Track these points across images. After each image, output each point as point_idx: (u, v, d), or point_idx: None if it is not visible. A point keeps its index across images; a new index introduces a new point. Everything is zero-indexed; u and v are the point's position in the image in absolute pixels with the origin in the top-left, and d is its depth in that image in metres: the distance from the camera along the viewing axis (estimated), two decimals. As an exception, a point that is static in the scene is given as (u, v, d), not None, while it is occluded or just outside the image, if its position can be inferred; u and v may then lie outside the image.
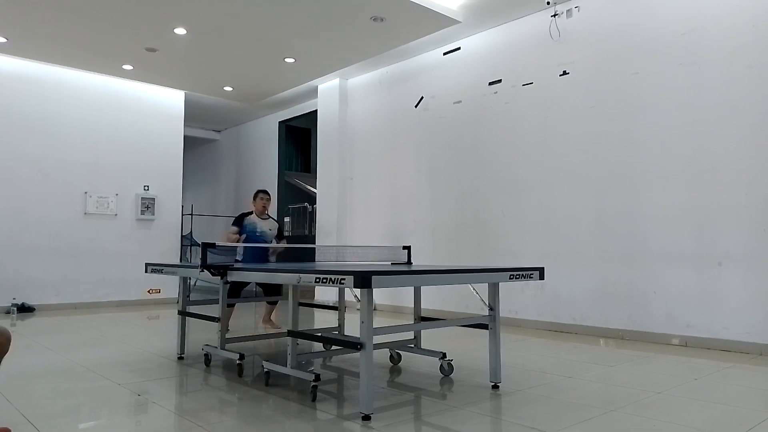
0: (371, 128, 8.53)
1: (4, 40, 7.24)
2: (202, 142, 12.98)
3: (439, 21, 6.56)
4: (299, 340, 4.11)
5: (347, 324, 4.88)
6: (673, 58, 5.25)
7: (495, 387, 3.41)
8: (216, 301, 4.24)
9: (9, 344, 2.30)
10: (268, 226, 5.76)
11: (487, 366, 3.50)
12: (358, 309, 2.86)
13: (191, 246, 11.22)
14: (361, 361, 2.77)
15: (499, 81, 6.75)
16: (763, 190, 4.64)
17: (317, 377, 3.18)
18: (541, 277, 3.52)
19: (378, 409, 2.94)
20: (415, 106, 7.82)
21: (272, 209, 9.91)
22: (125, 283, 8.81)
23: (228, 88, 9.37)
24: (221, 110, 10.85)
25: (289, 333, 3.43)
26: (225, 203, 12.26)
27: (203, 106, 10.41)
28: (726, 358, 4.41)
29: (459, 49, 7.28)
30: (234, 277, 3.69)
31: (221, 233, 7.38)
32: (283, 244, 5.98)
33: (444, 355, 3.83)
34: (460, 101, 7.20)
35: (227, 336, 4.16)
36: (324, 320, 6.79)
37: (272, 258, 5.76)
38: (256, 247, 5.46)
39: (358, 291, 2.74)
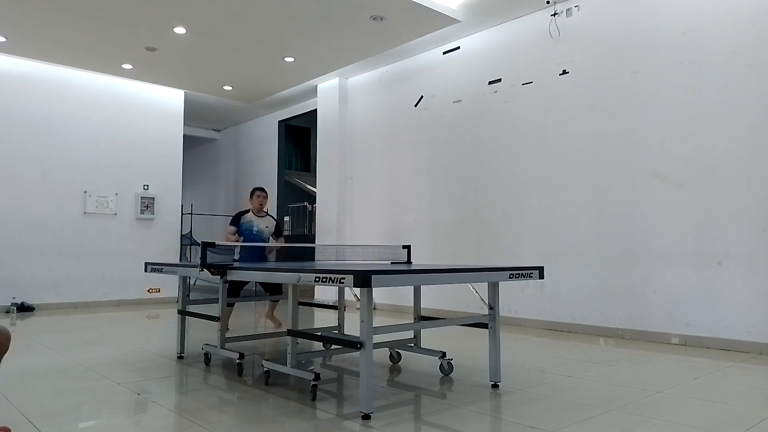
0: (371, 127, 8.53)
1: (4, 39, 7.23)
2: (202, 142, 12.98)
3: (438, 20, 6.56)
4: (299, 340, 4.11)
5: (347, 323, 4.88)
6: (673, 58, 5.25)
7: (495, 386, 3.41)
8: (215, 301, 4.24)
9: (9, 343, 2.30)
10: (264, 224, 5.75)
11: (487, 365, 3.50)
12: (357, 308, 2.86)
13: (191, 245, 11.22)
14: (360, 360, 2.77)
15: (499, 80, 6.74)
16: (763, 190, 4.64)
17: (317, 376, 3.17)
18: (541, 277, 3.52)
19: (378, 408, 2.94)
20: (415, 106, 7.81)
21: (272, 208, 9.93)
22: (125, 283, 8.80)
23: (228, 88, 9.37)
24: (221, 109, 10.85)
25: (289, 332, 3.43)
26: (225, 202, 12.26)
27: (203, 105, 10.40)
28: (726, 357, 4.41)
29: (459, 48, 7.28)
30: (233, 276, 3.68)
31: (221, 233, 7.39)
32: (281, 243, 5.97)
33: (444, 355, 3.83)
34: (459, 100, 7.20)
35: (227, 335, 4.16)
36: (324, 319, 6.79)
37: (270, 257, 5.76)
38: (253, 247, 5.46)
39: (357, 290, 2.74)
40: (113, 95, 8.90)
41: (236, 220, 5.70)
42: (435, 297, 6.97)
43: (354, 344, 2.81)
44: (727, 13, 4.93)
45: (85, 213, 8.51)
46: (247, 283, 5.37)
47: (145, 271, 4.59)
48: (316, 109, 9.52)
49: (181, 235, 10.11)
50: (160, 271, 4.39)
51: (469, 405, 3.03)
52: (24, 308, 7.78)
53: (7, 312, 7.63)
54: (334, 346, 4.45)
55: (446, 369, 3.79)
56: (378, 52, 7.69)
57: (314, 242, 9.17)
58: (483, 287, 3.57)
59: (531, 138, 6.35)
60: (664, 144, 5.24)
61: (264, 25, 6.69)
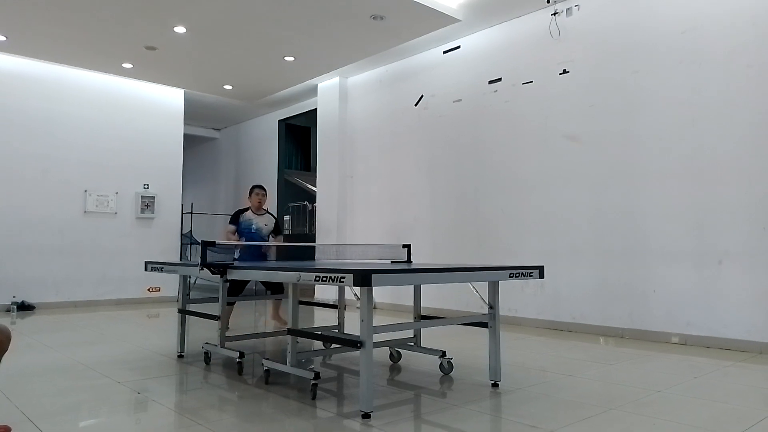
0: (371, 127, 8.53)
1: (4, 38, 7.23)
2: (202, 141, 12.98)
3: (438, 19, 6.56)
4: (299, 339, 4.11)
5: (347, 322, 4.88)
6: (673, 57, 5.24)
7: (495, 385, 3.41)
8: (216, 300, 4.24)
9: (9, 342, 2.30)
10: (263, 222, 5.73)
11: (487, 364, 3.50)
12: (357, 307, 2.86)
13: (191, 244, 11.21)
14: (361, 359, 2.77)
15: (499, 80, 6.74)
16: (764, 188, 4.64)
17: (317, 375, 3.17)
18: (541, 276, 3.52)
19: (378, 407, 2.94)
20: (415, 105, 7.81)
21: (272, 207, 9.92)
22: (125, 282, 8.80)
23: (228, 87, 9.36)
24: (221, 108, 10.84)
25: (289, 331, 3.44)
26: (225, 202, 12.26)
27: (203, 104, 10.40)
28: (726, 356, 4.42)
29: (459, 47, 7.27)
30: (234, 275, 3.68)
31: (221, 232, 7.38)
32: (280, 240, 5.96)
33: (444, 354, 3.83)
34: (460, 100, 7.20)
35: (227, 334, 4.16)
36: (324, 318, 6.79)
37: (270, 255, 5.73)
38: (251, 246, 5.45)
39: (357, 289, 2.74)
40: (113, 94, 8.90)
41: (235, 218, 5.68)
42: (435, 296, 6.97)
43: (354, 343, 2.81)
44: (727, 13, 4.92)
45: (85, 212, 8.51)
46: (248, 282, 5.36)
47: (146, 270, 4.59)
48: (316, 109, 9.51)
49: (181, 234, 10.11)
50: (161, 270, 4.39)
51: (469, 404, 3.03)
52: (24, 307, 7.78)
53: (8, 311, 7.63)
54: (334, 345, 4.45)
55: (446, 368, 3.79)
56: (378, 52, 7.69)
57: (314, 241, 9.17)
58: (483, 286, 3.57)
59: (531, 137, 6.35)
60: (665, 143, 5.24)
61: (264, 25, 6.68)
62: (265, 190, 5.84)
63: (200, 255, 3.77)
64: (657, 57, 5.36)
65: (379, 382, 3.55)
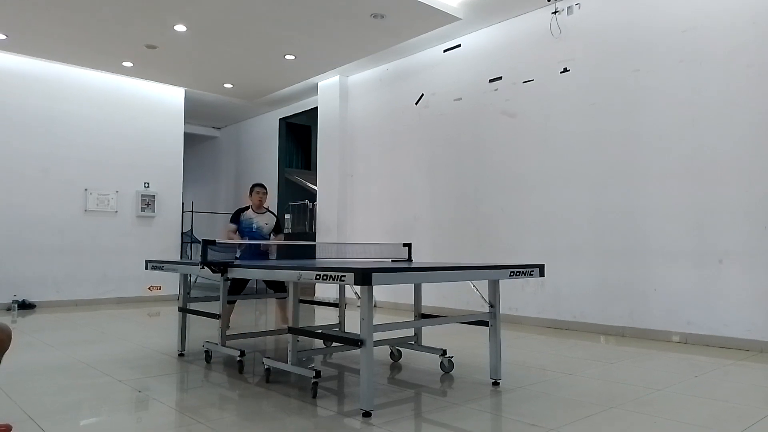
0: (371, 125, 8.53)
1: (4, 37, 7.23)
2: (203, 139, 12.98)
3: (439, 18, 6.55)
4: (300, 337, 4.11)
5: (348, 321, 4.88)
6: (674, 56, 5.24)
7: (495, 384, 3.41)
8: (216, 298, 4.24)
9: (10, 341, 2.30)
10: (264, 221, 5.71)
11: (488, 363, 3.50)
12: (358, 306, 2.86)
13: (191, 243, 11.22)
14: (361, 358, 2.77)
15: (500, 78, 6.74)
16: (764, 188, 4.63)
17: (318, 374, 3.18)
18: (542, 275, 3.52)
19: (378, 405, 2.94)
20: (416, 104, 7.81)
21: (272, 206, 9.91)
22: (126, 280, 8.81)
23: (228, 85, 9.36)
24: (221, 107, 10.84)
25: (290, 330, 3.44)
26: (225, 200, 12.26)
27: (203, 103, 10.40)
28: (726, 355, 4.42)
29: (459, 46, 7.27)
30: (234, 273, 3.68)
31: (222, 231, 7.38)
32: (281, 239, 5.94)
33: (444, 352, 3.83)
34: (460, 98, 7.19)
35: (228, 333, 4.16)
36: (324, 317, 6.79)
37: (271, 255, 5.73)
38: (252, 245, 5.45)
39: (358, 288, 2.74)
40: (114, 93, 8.90)
41: (236, 217, 5.67)
42: (436, 295, 6.97)
43: (355, 342, 2.81)
44: (728, 12, 4.92)
45: (85, 211, 8.51)
46: (249, 281, 5.36)
47: (146, 268, 4.59)
48: (316, 107, 9.51)
49: (182, 233, 10.12)
50: (161, 268, 4.40)
51: (469, 402, 3.03)
52: (25, 306, 7.79)
53: (9, 309, 7.64)
54: (334, 344, 4.45)
55: (447, 367, 3.79)
56: (378, 50, 7.68)
57: (314, 240, 9.17)
58: (483, 285, 3.57)
59: (531, 136, 6.35)
60: (665, 142, 5.24)
61: (264, 23, 6.68)
62: (265, 189, 5.81)
63: (201, 254, 3.77)
64: (657, 56, 5.35)
65: (379, 381, 3.55)
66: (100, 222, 8.65)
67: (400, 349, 4.29)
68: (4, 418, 2.66)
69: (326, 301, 7.54)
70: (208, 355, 4.19)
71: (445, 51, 7.46)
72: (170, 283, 9.16)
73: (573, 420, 2.70)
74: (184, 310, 4.44)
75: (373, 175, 8.41)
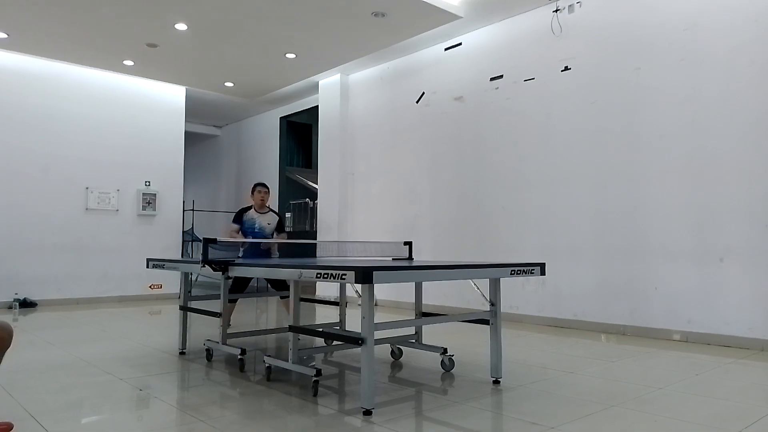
0: (372, 124, 8.52)
1: (5, 35, 7.23)
2: (203, 138, 12.98)
3: (440, 16, 6.55)
4: (300, 336, 4.11)
5: (348, 319, 4.88)
6: (675, 54, 5.23)
7: (496, 382, 3.42)
8: (217, 297, 4.24)
9: (11, 339, 2.31)
10: (266, 221, 5.70)
11: (488, 361, 3.50)
12: (359, 304, 2.86)
13: (192, 241, 11.23)
14: (362, 356, 2.77)
15: (501, 77, 6.73)
16: (765, 186, 4.63)
17: (318, 372, 3.18)
18: (543, 273, 3.52)
19: (379, 404, 2.95)
20: (416, 102, 7.80)
21: (273, 205, 9.92)
22: (127, 279, 8.82)
23: (229, 84, 9.36)
24: (222, 106, 10.84)
25: (291, 328, 3.44)
26: (226, 199, 12.27)
27: (204, 101, 10.40)
28: (727, 353, 4.42)
29: (460, 44, 7.26)
30: (235, 272, 3.68)
31: (224, 230, 7.37)
32: (284, 238, 5.94)
33: (445, 351, 3.83)
34: (461, 97, 7.19)
35: (229, 331, 4.16)
36: (325, 316, 6.80)
37: (273, 254, 5.73)
38: (254, 244, 5.45)
39: (359, 286, 2.74)
40: (114, 91, 8.90)
41: (239, 217, 5.67)
42: (436, 293, 6.97)
43: (355, 340, 2.81)
44: (729, 10, 4.91)
45: (86, 209, 8.52)
46: (250, 279, 5.37)
47: (147, 267, 4.59)
48: (317, 106, 9.51)
49: (183, 232, 10.12)
50: (162, 267, 4.40)
51: (470, 401, 3.03)
52: (26, 304, 7.80)
53: (10, 308, 7.65)
54: (335, 342, 4.46)
55: (447, 365, 3.79)
56: (379, 49, 7.68)
57: (315, 239, 9.17)
58: (484, 284, 3.57)
59: (532, 134, 6.34)
60: (666, 140, 5.23)
61: (265, 22, 6.68)
62: (267, 188, 5.80)
63: (202, 252, 3.77)
64: (658, 54, 5.35)
65: (380, 379, 3.55)
66: (101, 220, 8.65)
67: (400, 347, 4.29)
68: (5, 417, 2.67)
69: (327, 299, 7.55)
70: (209, 354, 4.20)
71: (446, 49, 7.45)
72: (171, 281, 9.17)
73: (574, 418, 2.70)
74: (185, 309, 4.44)
75: (374, 173, 8.41)
